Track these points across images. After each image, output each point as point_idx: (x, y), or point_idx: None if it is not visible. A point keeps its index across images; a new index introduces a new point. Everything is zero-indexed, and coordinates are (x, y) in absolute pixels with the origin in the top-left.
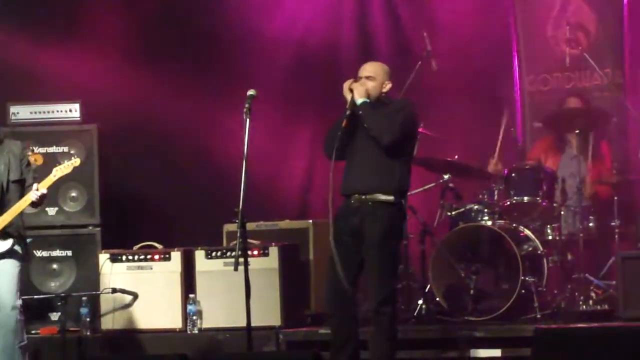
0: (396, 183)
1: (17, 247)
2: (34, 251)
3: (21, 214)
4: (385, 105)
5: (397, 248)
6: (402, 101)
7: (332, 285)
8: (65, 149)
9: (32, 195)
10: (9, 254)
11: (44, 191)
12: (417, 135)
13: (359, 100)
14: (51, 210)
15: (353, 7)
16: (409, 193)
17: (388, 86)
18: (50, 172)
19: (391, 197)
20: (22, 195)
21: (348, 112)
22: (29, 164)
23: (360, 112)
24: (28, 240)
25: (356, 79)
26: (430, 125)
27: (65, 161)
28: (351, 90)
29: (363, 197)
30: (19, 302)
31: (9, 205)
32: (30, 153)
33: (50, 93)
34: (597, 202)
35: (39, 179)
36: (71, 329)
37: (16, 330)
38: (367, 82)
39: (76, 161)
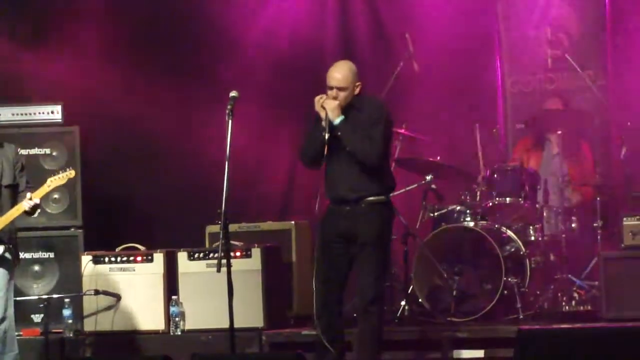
0: (383, 182)
1: (7, 255)
2: None
3: (13, 220)
4: (359, 110)
5: (388, 248)
6: (376, 105)
7: (321, 288)
8: (48, 151)
9: (25, 204)
10: (0, 261)
11: (37, 201)
12: (393, 133)
13: (336, 121)
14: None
15: (335, 9)
16: (391, 194)
17: (359, 88)
18: (39, 176)
19: (382, 197)
20: (14, 200)
21: (327, 136)
22: (22, 168)
23: (339, 133)
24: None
25: (325, 89)
26: (412, 126)
27: (61, 172)
28: (323, 107)
29: (355, 202)
30: (10, 312)
31: (2, 210)
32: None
33: (32, 95)
34: (580, 203)
35: (33, 188)
36: (54, 330)
37: (3, 340)
38: (339, 94)
39: (71, 172)
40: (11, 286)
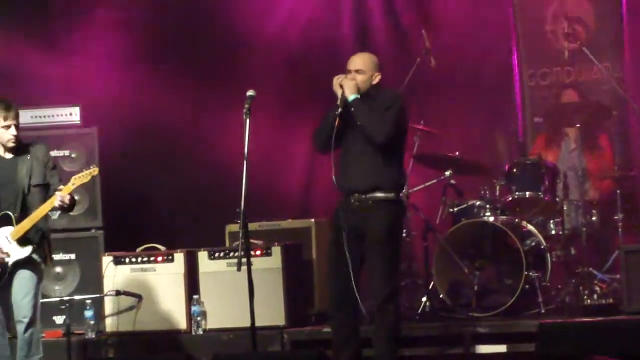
0: (394, 179)
1: (35, 256)
2: None
3: (45, 218)
4: (375, 99)
5: (399, 245)
6: (392, 95)
7: (333, 284)
8: (67, 153)
9: (57, 201)
10: (28, 263)
11: (68, 196)
12: (408, 128)
13: (350, 97)
14: (54, 214)
15: (352, 4)
16: (410, 190)
17: (377, 78)
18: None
19: (391, 194)
20: (44, 199)
21: (340, 110)
22: (54, 167)
23: (352, 108)
24: None
25: (345, 72)
26: (431, 121)
27: (84, 170)
28: (341, 86)
29: (363, 196)
30: (36, 315)
31: (31, 210)
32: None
33: (51, 97)
34: (600, 196)
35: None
36: (76, 332)
37: (30, 343)
38: (357, 76)
39: (94, 170)
40: (39, 289)
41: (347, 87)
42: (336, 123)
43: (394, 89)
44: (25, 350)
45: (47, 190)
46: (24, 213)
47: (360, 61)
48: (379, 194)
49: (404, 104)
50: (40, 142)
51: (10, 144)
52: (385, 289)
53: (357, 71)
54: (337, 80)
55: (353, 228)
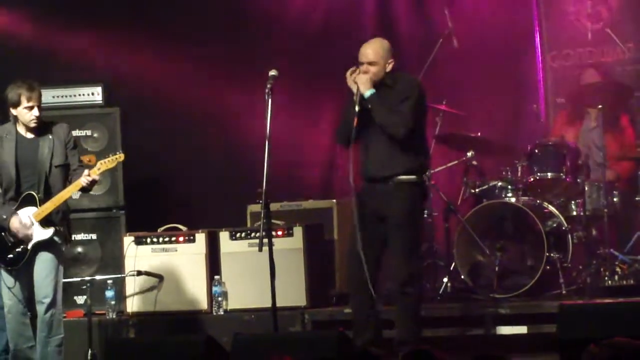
0: (415, 161)
1: (56, 238)
2: None
3: (66, 200)
4: (392, 87)
5: (420, 228)
6: (409, 83)
7: (351, 266)
8: (88, 133)
9: (83, 180)
10: (49, 244)
11: (96, 177)
12: (427, 112)
13: (367, 94)
14: (75, 194)
15: None
16: (432, 171)
17: (391, 65)
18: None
19: (413, 177)
20: (65, 180)
21: (358, 109)
22: (75, 147)
23: (370, 106)
24: None
25: (357, 64)
26: (453, 102)
27: (110, 155)
28: (355, 82)
29: (385, 179)
30: (58, 296)
31: (53, 190)
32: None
33: (73, 76)
34: (621, 177)
35: (82, 168)
36: (97, 312)
37: (50, 324)
38: (370, 69)
39: (120, 156)
40: (60, 271)
41: (361, 83)
42: (355, 123)
43: (410, 75)
44: (46, 331)
45: (68, 171)
46: (46, 193)
47: (371, 52)
48: (401, 177)
49: (422, 91)
50: (62, 122)
51: (32, 124)
52: (406, 270)
53: (369, 63)
54: (350, 75)
55: (374, 211)
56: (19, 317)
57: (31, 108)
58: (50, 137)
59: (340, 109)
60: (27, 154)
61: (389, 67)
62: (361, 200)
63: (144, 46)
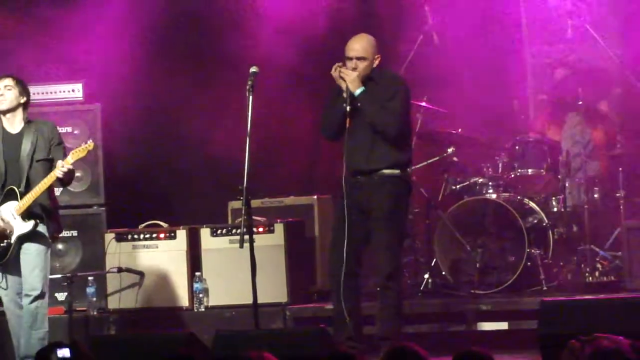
0: (399, 155)
1: (41, 228)
2: None
3: (49, 191)
4: (377, 83)
5: (404, 222)
6: (394, 80)
7: (334, 261)
8: (69, 129)
9: (57, 171)
10: (35, 237)
11: (71, 167)
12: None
13: (357, 92)
14: (56, 191)
15: None
16: (413, 167)
17: (378, 60)
18: None
19: (397, 171)
20: (47, 174)
21: (348, 108)
22: (59, 143)
23: (360, 104)
24: None
25: (343, 60)
26: (433, 99)
27: (82, 144)
28: (343, 79)
29: (369, 173)
30: (44, 288)
31: (34, 185)
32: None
33: (53, 73)
34: (602, 173)
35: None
36: (78, 309)
37: (35, 316)
38: (359, 64)
39: (90, 144)
40: (47, 263)
41: (350, 81)
42: (347, 124)
43: (395, 72)
44: (30, 322)
45: (51, 166)
46: (28, 188)
47: (360, 47)
48: (385, 171)
49: (407, 88)
50: (49, 120)
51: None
52: (388, 266)
53: (358, 59)
54: (336, 70)
55: (358, 204)
56: (17, 311)
57: None
58: (35, 133)
59: (323, 102)
60: (11, 149)
61: (375, 63)
62: (344, 192)
63: (125, 43)
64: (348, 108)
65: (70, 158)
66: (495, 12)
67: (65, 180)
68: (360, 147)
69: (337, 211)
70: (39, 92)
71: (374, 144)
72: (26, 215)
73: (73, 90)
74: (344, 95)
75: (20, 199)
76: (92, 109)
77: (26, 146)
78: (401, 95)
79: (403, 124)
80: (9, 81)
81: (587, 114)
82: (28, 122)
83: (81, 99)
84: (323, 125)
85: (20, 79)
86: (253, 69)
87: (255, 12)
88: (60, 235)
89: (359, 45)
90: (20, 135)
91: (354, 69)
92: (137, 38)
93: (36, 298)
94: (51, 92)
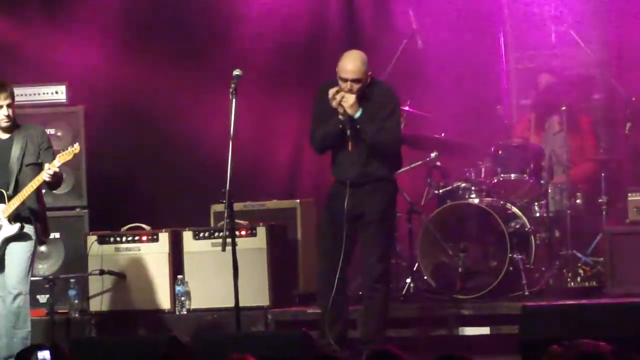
0: (390, 162)
1: (28, 230)
2: None
3: (38, 195)
4: (370, 98)
5: (393, 225)
6: (387, 95)
7: (324, 265)
8: (52, 131)
9: (44, 174)
10: (21, 238)
11: (56, 169)
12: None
13: (356, 115)
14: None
15: None
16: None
17: (369, 77)
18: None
19: (388, 175)
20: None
21: (349, 133)
22: (48, 148)
23: (359, 126)
24: None
25: (336, 81)
26: (417, 103)
27: (69, 147)
28: (341, 104)
29: (362, 185)
30: (25, 288)
31: (22, 188)
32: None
33: (37, 75)
34: (584, 179)
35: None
36: (60, 311)
37: (17, 315)
38: (354, 87)
39: (76, 148)
40: (31, 264)
41: (349, 106)
42: (349, 147)
43: (384, 83)
44: (13, 322)
45: (39, 170)
46: (16, 191)
47: (354, 69)
48: (378, 177)
49: (398, 101)
50: (38, 124)
51: (3, 124)
52: (377, 270)
53: (353, 81)
54: (334, 97)
55: (348, 210)
56: (2, 311)
57: (0, 107)
58: (24, 137)
59: (309, 106)
60: (1, 153)
61: (368, 80)
62: (330, 200)
63: (109, 45)
64: (349, 132)
65: (57, 161)
66: (479, 18)
67: (53, 183)
68: (355, 160)
69: (326, 219)
70: (23, 94)
71: (368, 157)
72: (13, 217)
73: (56, 92)
74: (341, 117)
75: (8, 201)
76: (75, 111)
77: (16, 150)
78: (397, 111)
79: (400, 140)
80: (10, 99)
81: (569, 118)
82: (17, 126)
83: (64, 101)
84: (316, 145)
85: (9, 85)
86: (236, 72)
87: (239, 12)
88: (48, 230)
89: (353, 66)
90: (10, 139)
91: (350, 91)
92: (120, 40)
93: (17, 296)
94: (34, 94)
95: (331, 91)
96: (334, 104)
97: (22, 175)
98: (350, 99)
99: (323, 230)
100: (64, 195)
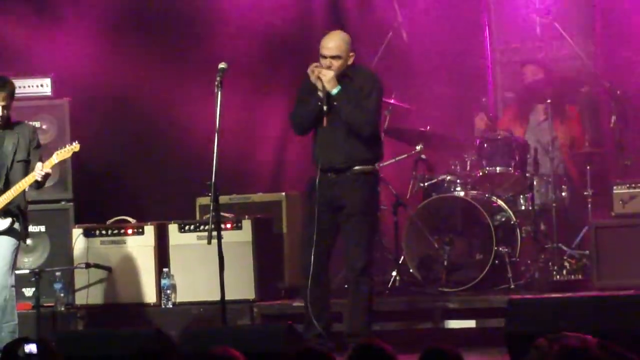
0: (372, 151)
1: (16, 226)
2: None
3: (23, 192)
4: (352, 79)
5: (376, 217)
6: (369, 77)
7: (305, 258)
8: (37, 124)
9: (37, 174)
10: (8, 233)
11: (49, 171)
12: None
13: (334, 91)
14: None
15: None
16: (381, 164)
17: (352, 57)
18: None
19: (369, 167)
20: (25, 175)
21: (325, 108)
22: (37, 146)
23: (336, 103)
24: None
25: (317, 58)
26: (402, 96)
27: (67, 145)
28: (319, 79)
29: (342, 171)
30: (11, 281)
31: (12, 184)
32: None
33: (21, 68)
34: (570, 171)
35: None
36: (45, 304)
37: (4, 308)
38: (334, 63)
39: (76, 146)
40: (15, 258)
41: (327, 81)
42: (324, 123)
43: (369, 69)
44: (0, 315)
45: (28, 167)
46: (6, 187)
47: (334, 46)
48: (358, 167)
49: (381, 86)
50: (29, 123)
51: None
52: (360, 262)
53: (332, 57)
54: (313, 71)
55: (330, 201)
56: None
57: None
58: (16, 134)
59: (295, 97)
60: None
61: (350, 60)
62: (312, 190)
63: (94, 38)
64: (325, 108)
65: (55, 158)
66: (463, 10)
67: (42, 183)
68: (334, 144)
69: (307, 209)
70: None
71: (347, 141)
72: (2, 212)
73: (42, 85)
74: (320, 94)
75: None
76: (60, 103)
77: (8, 146)
78: (376, 92)
79: (377, 122)
80: (6, 100)
81: (555, 107)
82: (10, 123)
83: (50, 94)
84: (295, 122)
85: (9, 84)
86: (222, 65)
87: (224, 6)
88: (28, 230)
89: (334, 43)
90: (2, 135)
91: (329, 68)
92: (105, 33)
93: (3, 290)
94: (20, 87)
95: (311, 66)
96: (313, 78)
97: (12, 171)
98: (328, 74)
99: (304, 221)
100: (49, 188)
